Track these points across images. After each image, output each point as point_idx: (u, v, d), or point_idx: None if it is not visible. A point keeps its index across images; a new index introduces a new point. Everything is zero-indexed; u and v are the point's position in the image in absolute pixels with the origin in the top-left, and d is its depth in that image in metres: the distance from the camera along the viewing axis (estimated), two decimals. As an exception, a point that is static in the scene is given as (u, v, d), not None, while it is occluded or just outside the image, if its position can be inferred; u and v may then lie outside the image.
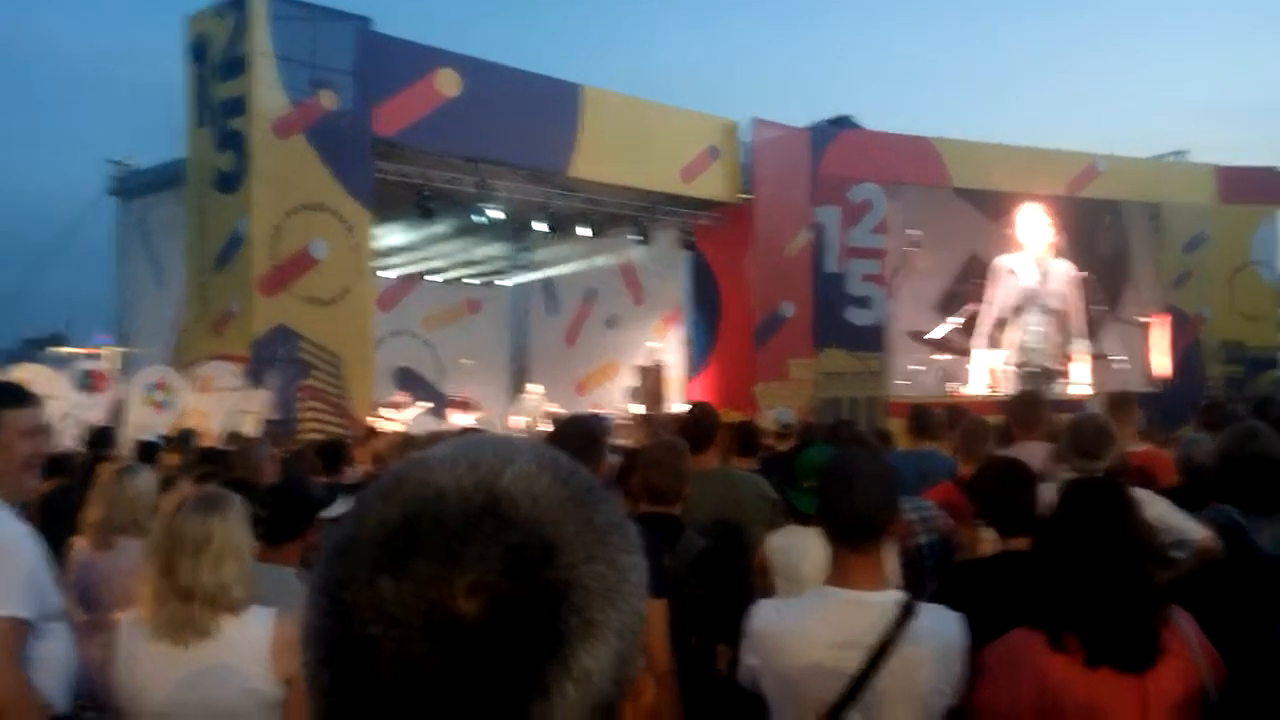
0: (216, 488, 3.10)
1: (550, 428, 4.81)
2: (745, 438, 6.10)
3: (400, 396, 18.40)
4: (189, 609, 2.63)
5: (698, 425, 4.98)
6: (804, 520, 3.67)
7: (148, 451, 7.20)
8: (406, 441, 6.19)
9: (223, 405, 13.16)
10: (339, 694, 0.70)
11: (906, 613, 2.57)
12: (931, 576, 4.13)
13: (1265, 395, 16.99)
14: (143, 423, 12.59)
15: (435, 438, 6.68)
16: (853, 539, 2.65)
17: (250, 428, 12.35)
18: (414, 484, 0.73)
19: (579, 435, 3.39)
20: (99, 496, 4.34)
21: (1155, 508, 3.84)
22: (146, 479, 4.52)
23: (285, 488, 4.15)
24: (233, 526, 2.73)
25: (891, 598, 2.62)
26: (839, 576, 2.66)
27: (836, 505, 2.68)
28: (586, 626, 0.70)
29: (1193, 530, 3.80)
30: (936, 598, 3.10)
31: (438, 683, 0.67)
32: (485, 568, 0.68)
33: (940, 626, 2.62)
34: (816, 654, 2.58)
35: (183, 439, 8.54)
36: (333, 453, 6.41)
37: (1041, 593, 2.52)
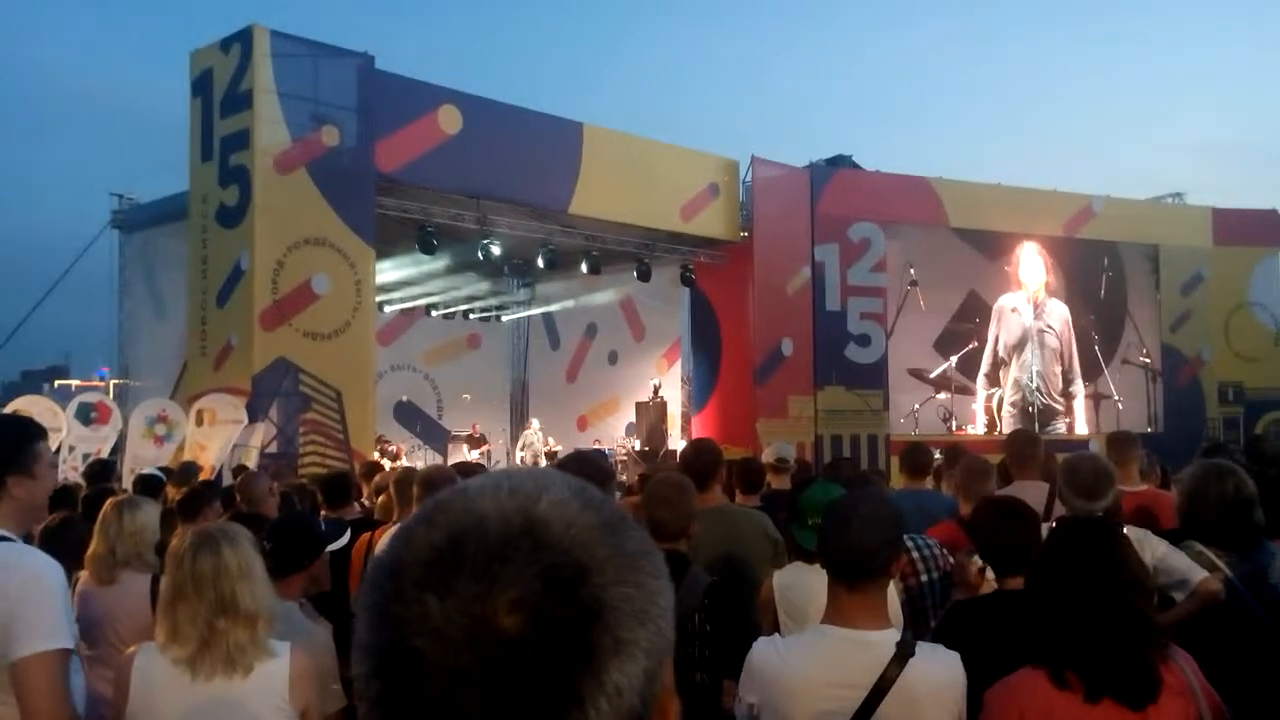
0: (226, 522, 3.11)
1: (555, 464, 4.79)
2: (748, 474, 6.09)
3: (394, 446, 18.17)
4: (214, 643, 2.63)
5: (700, 461, 4.93)
6: (809, 557, 3.68)
7: (151, 485, 7.17)
8: (407, 476, 6.17)
9: (222, 438, 13.15)
10: (388, 703, 0.75)
11: (904, 652, 2.58)
12: (934, 615, 4.13)
13: (1256, 435, 17.05)
14: (142, 455, 12.58)
15: (438, 471, 6.67)
16: (850, 577, 2.66)
17: (252, 461, 12.36)
18: (457, 511, 0.78)
19: (587, 473, 3.39)
20: (101, 530, 4.26)
21: (1156, 549, 3.85)
22: (149, 513, 4.46)
23: (289, 522, 4.15)
24: (248, 558, 2.74)
25: (889, 637, 2.63)
26: (837, 615, 2.67)
27: (833, 543, 2.70)
28: (617, 644, 0.75)
29: (1194, 572, 3.81)
30: (935, 637, 3.10)
31: (482, 693, 0.71)
32: (524, 586, 0.73)
33: (937, 666, 2.63)
34: (814, 692, 2.58)
35: (184, 472, 8.52)
36: (338, 486, 6.40)
37: (1038, 631, 2.53)
